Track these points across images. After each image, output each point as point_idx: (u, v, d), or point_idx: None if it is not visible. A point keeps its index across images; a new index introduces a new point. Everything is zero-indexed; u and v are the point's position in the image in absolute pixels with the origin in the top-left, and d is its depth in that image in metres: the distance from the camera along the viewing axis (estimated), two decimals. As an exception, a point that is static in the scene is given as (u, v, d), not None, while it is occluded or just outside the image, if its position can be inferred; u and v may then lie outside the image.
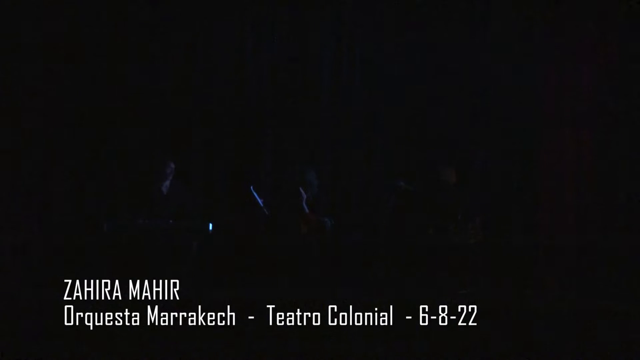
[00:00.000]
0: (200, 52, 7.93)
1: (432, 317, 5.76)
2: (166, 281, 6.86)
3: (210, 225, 6.95)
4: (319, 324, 5.58)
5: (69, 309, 5.90)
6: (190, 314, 5.84)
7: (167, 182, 7.26)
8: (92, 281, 7.16)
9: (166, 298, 6.46)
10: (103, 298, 6.38)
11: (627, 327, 5.49)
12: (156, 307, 6.04)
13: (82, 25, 7.65)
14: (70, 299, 6.39)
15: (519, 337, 5.35)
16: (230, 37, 7.93)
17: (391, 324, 5.58)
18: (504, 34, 7.71)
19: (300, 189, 7.21)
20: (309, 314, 5.83)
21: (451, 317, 5.76)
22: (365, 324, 5.60)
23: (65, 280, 7.17)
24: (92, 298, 6.41)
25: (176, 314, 5.85)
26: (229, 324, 5.59)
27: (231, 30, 7.92)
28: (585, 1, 7.52)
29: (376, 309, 6.08)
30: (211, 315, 5.78)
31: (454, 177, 7.30)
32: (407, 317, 5.75)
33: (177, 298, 6.56)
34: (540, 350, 5.16)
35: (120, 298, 6.41)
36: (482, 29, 7.74)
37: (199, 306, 6.15)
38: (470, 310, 6.04)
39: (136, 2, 7.72)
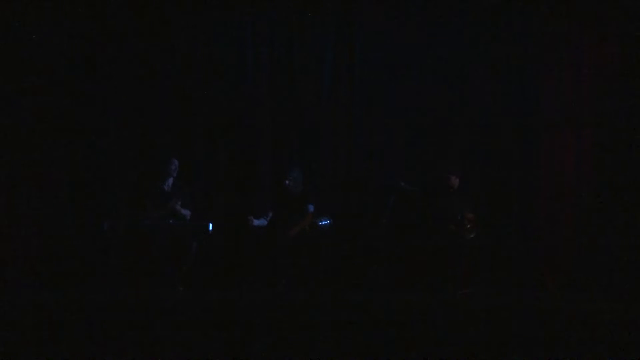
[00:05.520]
0: (200, 53, 7.94)
1: (432, 317, 5.76)
2: (166, 281, 6.89)
3: (210, 225, 6.96)
4: (319, 323, 5.58)
5: (69, 309, 5.92)
6: (190, 314, 5.85)
7: (170, 180, 7.28)
8: (92, 281, 7.20)
9: (166, 298, 6.47)
10: (103, 298, 6.39)
11: (627, 327, 5.49)
12: (156, 306, 6.05)
13: (83, 25, 7.66)
14: (70, 298, 6.41)
15: (518, 337, 5.35)
16: (230, 38, 7.94)
17: (391, 324, 5.58)
18: (504, 34, 7.71)
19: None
20: (309, 314, 5.84)
21: (451, 317, 5.77)
22: (365, 324, 5.60)
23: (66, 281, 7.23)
24: (92, 298, 6.42)
25: (176, 313, 5.86)
26: (228, 323, 5.60)
27: (231, 30, 7.93)
28: (585, 1, 7.52)
29: (376, 309, 6.09)
30: (211, 315, 5.79)
31: (457, 182, 7.30)
32: (407, 317, 5.75)
33: (177, 298, 6.57)
34: (540, 350, 5.17)
35: (120, 298, 6.42)
36: (482, 29, 7.74)
37: (199, 306, 6.17)
38: (470, 310, 6.05)
39: (136, 3, 7.73)
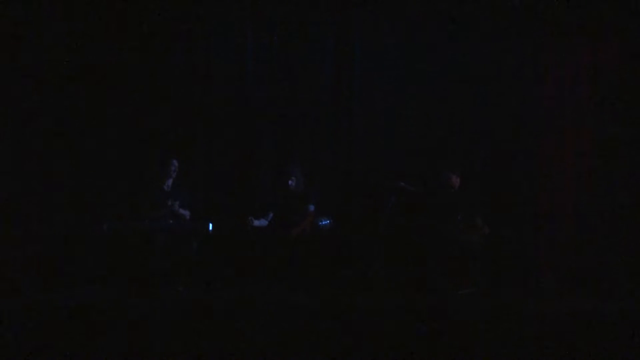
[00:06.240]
0: (201, 52, 7.94)
1: (432, 317, 5.76)
2: (166, 281, 6.88)
3: (210, 225, 6.96)
4: (319, 323, 5.58)
5: (69, 309, 5.92)
6: (190, 314, 5.85)
7: (170, 181, 7.29)
8: (91, 281, 7.20)
9: (166, 298, 6.47)
10: (103, 298, 6.39)
11: (627, 327, 5.49)
12: (156, 306, 6.06)
13: (83, 25, 7.66)
14: (70, 299, 6.41)
15: (519, 337, 5.35)
16: (230, 37, 7.94)
17: (391, 324, 5.58)
18: (504, 34, 7.71)
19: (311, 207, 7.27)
20: (309, 314, 5.84)
21: (451, 317, 5.77)
22: (365, 324, 5.60)
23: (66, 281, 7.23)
24: (92, 298, 6.42)
25: (176, 313, 5.86)
26: (229, 323, 5.60)
27: (231, 30, 7.93)
28: (585, 1, 7.52)
29: (376, 309, 6.09)
30: (211, 315, 5.79)
31: (458, 182, 7.30)
32: (407, 317, 5.75)
33: (177, 298, 6.57)
34: (539, 350, 5.17)
35: (119, 298, 6.42)
36: (482, 29, 7.74)
37: (199, 306, 6.17)
38: (470, 310, 6.06)
39: (136, 3, 7.73)
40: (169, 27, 7.84)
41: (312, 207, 7.26)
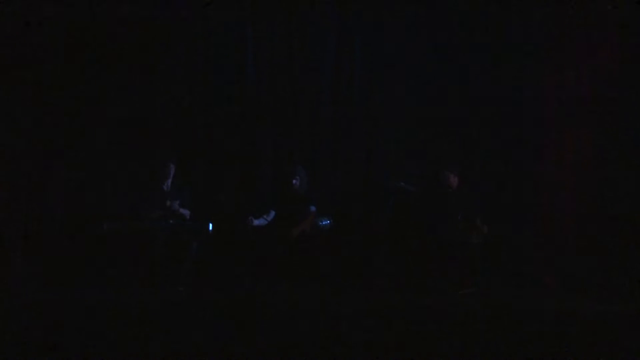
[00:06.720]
0: (201, 52, 7.94)
1: (432, 317, 5.76)
2: (166, 281, 6.88)
3: (210, 225, 6.96)
4: (319, 323, 5.59)
5: (69, 309, 5.92)
6: (190, 314, 5.85)
7: (169, 181, 7.30)
8: (91, 281, 7.20)
9: (166, 298, 6.47)
10: (103, 298, 6.39)
11: (627, 327, 5.49)
12: (156, 306, 6.06)
13: (83, 26, 7.66)
14: (70, 299, 6.41)
15: (519, 337, 5.35)
16: (230, 37, 7.94)
17: (391, 324, 5.58)
18: (504, 34, 7.71)
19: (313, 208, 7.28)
20: (309, 314, 5.84)
21: (451, 317, 5.77)
22: (365, 324, 5.60)
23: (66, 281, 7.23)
24: (92, 298, 6.42)
25: (176, 313, 5.86)
26: (229, 323, 5.60)
27: (231, 30, 7.93)
28: (585, 1, 7.52)
29: (376, 309, 6.09)
30: (211, 315, 5.79)
31: (456, 182, 7.31)
32: (407, 317, 5.76)
33: (177, 298, 6.57)
34: (540, 350, 5.17)
35: (119, 298, 6.42)
36: (482, 29, 7.74)
37: (199, 306, 6.17)
38: (470, 310, 6.06)
39: (136, 2, 7.73)
40: (169, 27, 7.84)
41: (313, 208, 7.27)
